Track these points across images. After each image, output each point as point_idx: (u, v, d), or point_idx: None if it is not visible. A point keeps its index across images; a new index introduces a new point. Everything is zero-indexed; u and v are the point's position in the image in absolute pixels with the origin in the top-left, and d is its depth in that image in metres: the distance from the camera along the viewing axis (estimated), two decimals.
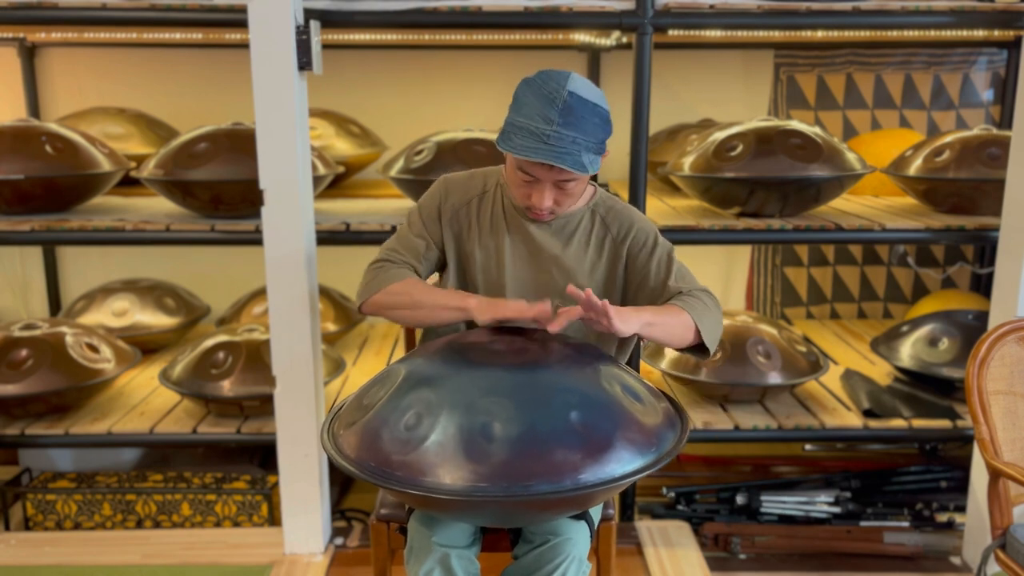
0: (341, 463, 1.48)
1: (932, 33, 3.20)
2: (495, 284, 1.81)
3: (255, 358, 2.77)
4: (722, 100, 3.67)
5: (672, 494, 3.00)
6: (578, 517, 1.62)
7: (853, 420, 2.74)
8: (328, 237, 2.63)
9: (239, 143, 2.70)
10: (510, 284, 1.80)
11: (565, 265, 1.79)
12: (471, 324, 1.81)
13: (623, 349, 1.87)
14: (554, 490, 1.36)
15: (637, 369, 2.73)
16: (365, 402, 1.58)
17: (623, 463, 1.42)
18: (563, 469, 1.38)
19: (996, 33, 3.36)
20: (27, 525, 2.86)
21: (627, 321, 1.58)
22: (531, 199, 1.70)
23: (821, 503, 2.92)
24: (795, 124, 2.78)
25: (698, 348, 1.75)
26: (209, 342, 2.86)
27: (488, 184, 1.86)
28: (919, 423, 2.73)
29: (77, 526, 2.86)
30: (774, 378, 2.74)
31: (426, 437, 1.42)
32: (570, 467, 1.38)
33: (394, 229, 2.63)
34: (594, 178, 3.66)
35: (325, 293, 3.39)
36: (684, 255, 3.84)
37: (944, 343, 2.91)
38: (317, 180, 2.67)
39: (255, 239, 2.55)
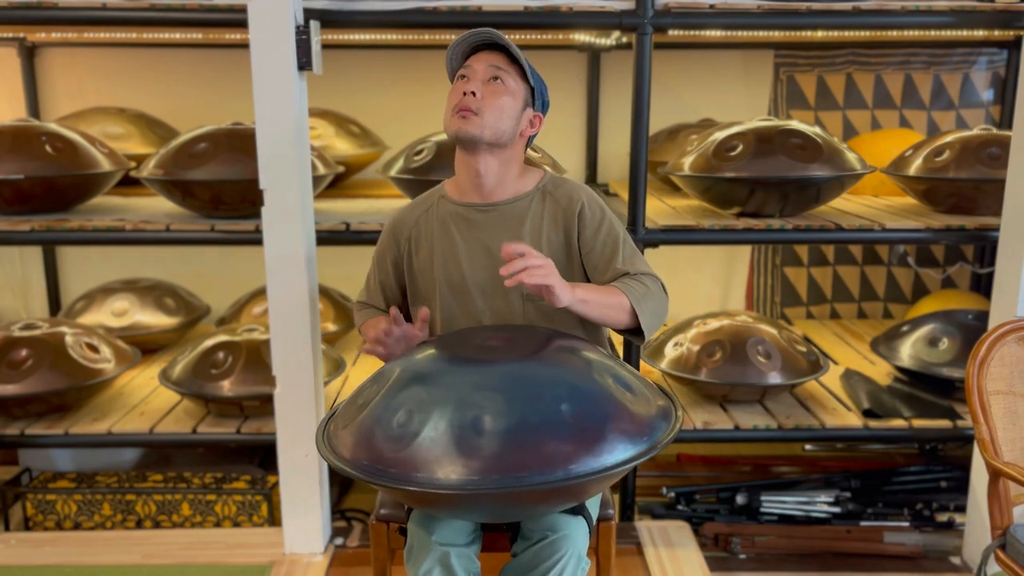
0: (335, 463, 1.48)
1: (932, 33, 3.20)
2: (458, 286, 1.84)
3: (255, 358, 2.77)
4: (722, 100, 3.67)
5: (672, 494, 3.00)
6: (576, 513, 1.62)
7: (853, 420, 2.74)
8: (328, 237, 2.63)
9: (239, 143, 2.70)
10: (470, 281, 1.83)
11: None
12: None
13: (591, 332, 1.87)
14: (545, 481, 1.37)
15: (637, 368, 2.73)
16: (360, 402, 1.58)
17: (615, 453, 1.42)
18: (554, 460, 1.38)
19: (996, 33, 3.36)
20: (27, 525, 2.86)
21: (563, 291, 1.61)
22: (461, 92, 1.75)
23: (821, 503, 2.92)
24: (795, 124, 2.78)
25: (636, 331, 1.76)
26: (209, 342, 2.86)
27: (431, 199, 1.92)
28: (919, 423, 2.73)
29: (77, 526, 2.86)
30: (774, 378, 2.74)
31: (418, 433, 1.43)
32: (561, 458, 1.39)
33: None
34: (594, 180, 3.67)
35: (325, 293, 3.38)
36: (684, 255, 3.84)
37: (944, 343, 2.91)
38: (317, 180, 2.67)
39: (255, 239, 2.55)
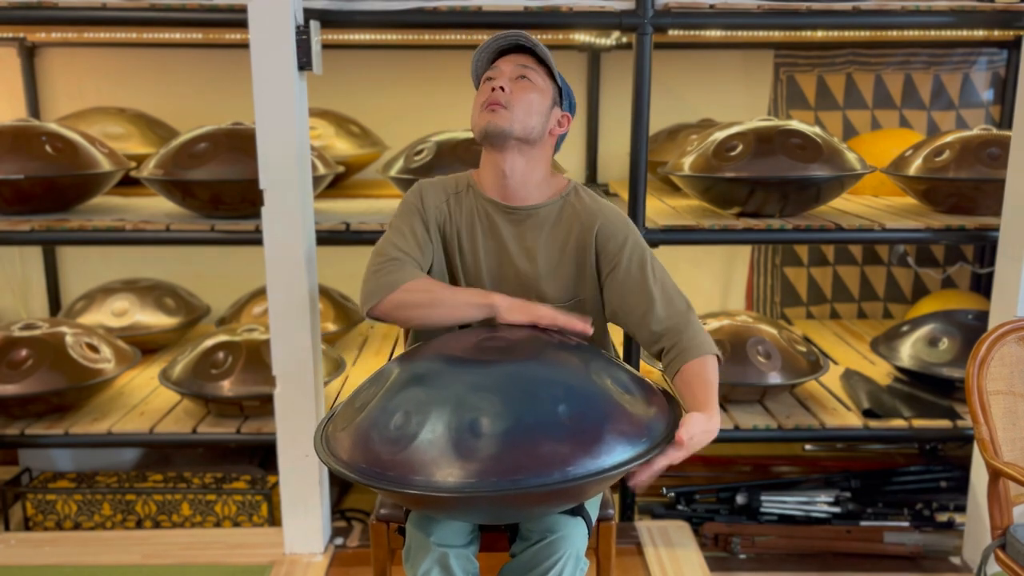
0: (333, 466, 1.48)
1: (932, 33, 3.20)
2: (472, 279, 1.84)
3: (255, 358, 2.77)
4: (722, 100, 3.67)
5: (672, 494, 3.00)
6: (575, 513, 1.62)
7: (853, 420, 2.74)
8: (328, 237, 2.63)
9: (239, 143, 2.70)
10: (485, 277, 1.82)
11: (535, 256, 1.80)
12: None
13: (594, 335, 1.84)
14: (543, 483, 1.36)
15: (637, 368, 2.73)
16: (357, 404, 1.58)
17: (613, 454, 1.42)
18: (552, 462, 1.38)
19: (996, 33, 3.36)
20: (27, 525, 2.86)
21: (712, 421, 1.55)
22: (490, 89, 1.74)
23: (821, 503, 2.92)
24: (795, 124, 2.78)
25: None
26: (209, 342, 2.86)
27: (459, 185, 1.88)
28: (919, 423, 2.73)
29: (77, 526, 2.86)
30: (774, 378, 2.74)
31: (415, 436, 1.42)
32: (559, 460, 1.38)
33: None
34: (594, 180, 3.67)
35: (325, 293, 3.39)
36: (684, 255, 3.84)
37: (944, 343, 2.91)
38: (317, 180, 2.67)
39: (255, 239, 2.55)
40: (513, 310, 1.70)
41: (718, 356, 1.70)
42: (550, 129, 1.80)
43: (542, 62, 1.78)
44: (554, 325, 1.69)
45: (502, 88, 1.73)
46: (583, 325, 1.69)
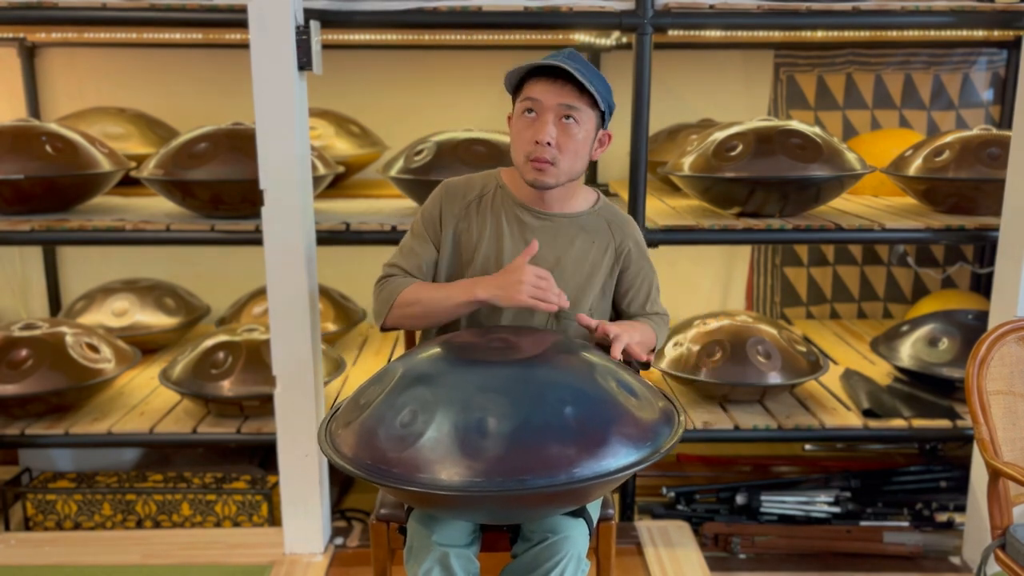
0: (338, 462, 1.48)
1: (932, 33, 3.20)
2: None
3: (255, 358, 2.77)
4: (722, 100, 3.67)
5: (672, 494, 3.00)
6: (576, 515, 1.63)
7: (853, 420, 2.74)
8: (328, 237, 2.63)
9: (239, 143, 2.70)
10: None
11: (564, 265, 1.82)
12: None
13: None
14: (549, 484, 1.37)
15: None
16: (362, 401, 1.58)
17: (618, 457, 1.43)
18: (558, 464, 1.38)
19: (996, 33, 3.36)
20: (27, 525, 2.86)
21: (629, 337, 1.76)
22: (533, 139, 1.70)
23: (821, 503, 2.92)
24: (795, 124, 2.78)
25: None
26: (209, 342, 2.86)
27: (487, 186, 1.88)
28: (919, 423, 2.73)
29: (77, 526, 2.86)
30: (774, 378, 2.74)
31: (421, 434, 1.42)
32: (565, 462, 1.39)
33: (393, 229, 2.64)
34: (593, 180, 3.67)
35: (325, 293, 3.38)
36: (684, 255, 3.85)
37: (944, 343, 2.91)
38: (317, 180, 2.67)
39: (255, 239, 2.55)
40: (496, 298, 1.73)
41: (653, 351, 1.90)
42: (592, 155, 1.80)
43: (585, 90, 1.68)
44: (534, 306, 1.70)
45: (548, 143, 1.68)
46: (560, 300, 1.72)
